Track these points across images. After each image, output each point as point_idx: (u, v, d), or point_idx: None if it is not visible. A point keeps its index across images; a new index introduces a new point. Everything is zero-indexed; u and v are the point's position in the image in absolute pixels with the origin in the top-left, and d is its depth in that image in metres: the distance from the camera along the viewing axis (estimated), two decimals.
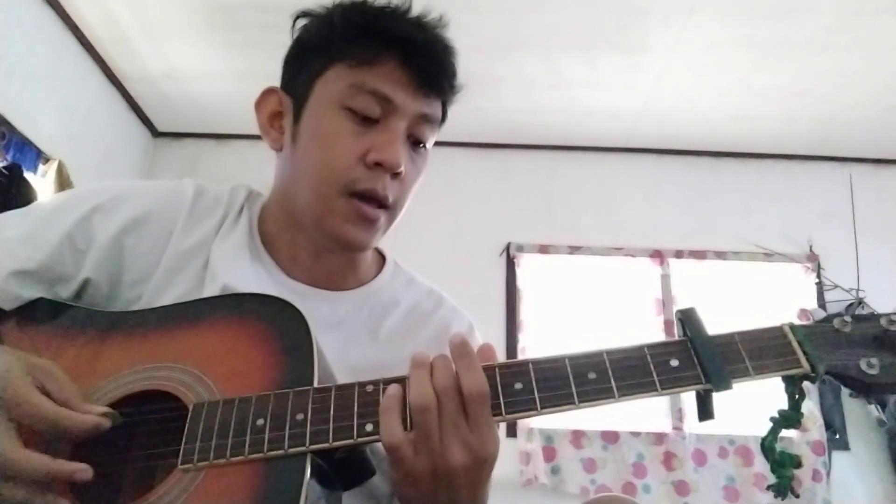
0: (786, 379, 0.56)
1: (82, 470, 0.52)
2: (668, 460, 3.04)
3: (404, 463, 0.53)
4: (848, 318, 0.56)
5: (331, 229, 0.70)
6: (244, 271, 0.73)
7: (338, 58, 0.70)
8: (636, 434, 3.08)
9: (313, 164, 0.70)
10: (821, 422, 3.07)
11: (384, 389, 0.56)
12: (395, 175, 0.70)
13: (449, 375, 0.54)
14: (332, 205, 0.69)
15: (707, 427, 3.09)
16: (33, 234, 0.70)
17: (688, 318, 0.58)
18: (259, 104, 0.78)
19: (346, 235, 0.70)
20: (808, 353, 0.55)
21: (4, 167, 2.39)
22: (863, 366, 0.54)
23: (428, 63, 0.70)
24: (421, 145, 0.74)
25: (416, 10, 0.72)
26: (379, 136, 0.69)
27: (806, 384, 0.55)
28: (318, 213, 0.70)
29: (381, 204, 0.70)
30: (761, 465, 2.99)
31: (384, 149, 0.68)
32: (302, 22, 0.75)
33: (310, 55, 0.73)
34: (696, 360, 0.56)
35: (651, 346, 0.57)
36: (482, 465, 0.54)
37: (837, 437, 3.11)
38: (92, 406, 0.56)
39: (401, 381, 0.57)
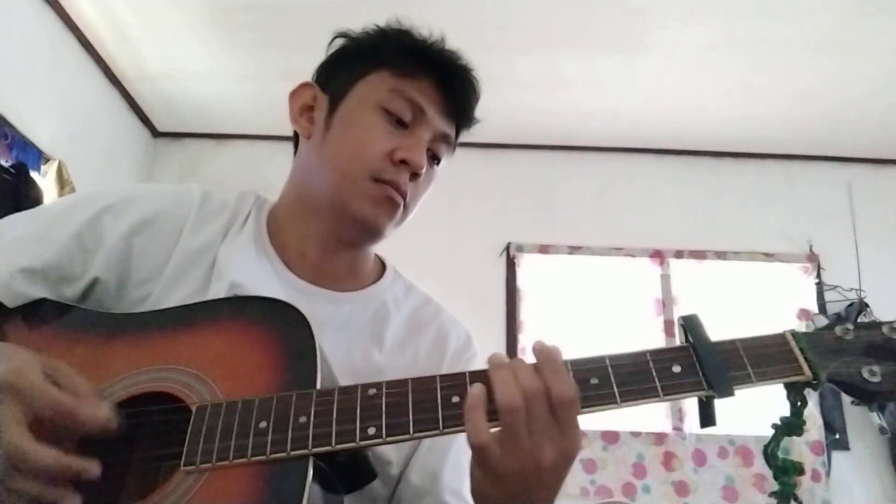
0: (788, 386, 0.56)
1: (92, 467, 0.53)
2: (668, 461, 3.04)
3: (490, 462, 0.53)
4: (850, 326, 0.56)
5: (354, 209, 0.74)
6: (250, 265, 0.74)
7: (384, 65, 0.77)
8: (636, 434, 3.09)
9: (345, 149, 0.75)
10: (821, 422, 3.08)
11: (387, 393, 0.57)
12: (414, 176, 0.75)
13: (534, 379, 0.54)
14: (358, 186, 0.74)
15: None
16: (42, 234, 0.71)
17: (690, 325, 0.58)
18: (294, 95, 0.82)
19: (367, 215, 0.74)
20: (811, 360, 0.55)
21: (11, 166, 2.39)
22: (865, 374, 0.54)
23: (459, 89, 0.79)
24: (435, 161, 0.80)
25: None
26: (407, 139, 0.75)
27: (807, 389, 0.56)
28: (343, 192, 0.74)
29: (401, 195, 0.75)
30: (761, 465, 3.00)
31: (411, 149, 0.74)
32: (340, 40, 0.83)
33: (355, 59, 0.80)
34: (698, 366, 0.56)
35: (653, 352, 0.57)
36: (568, 463, 0.55)
37: (837, 437, 3.11)
38: (102, 404, 0.57)
39: (403, 384, 0.57)
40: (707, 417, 0.57)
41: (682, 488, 2.99)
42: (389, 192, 0.74)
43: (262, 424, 0.55)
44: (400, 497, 0.75)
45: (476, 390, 0.55)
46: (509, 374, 0.55)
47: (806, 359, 0.55)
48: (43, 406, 0.53)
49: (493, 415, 0.54)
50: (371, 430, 0.55)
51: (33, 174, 2.50)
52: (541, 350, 0.57)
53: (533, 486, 0.54)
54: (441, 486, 0.74)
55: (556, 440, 0.53)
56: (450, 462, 0.76)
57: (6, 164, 2.39)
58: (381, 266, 0.87)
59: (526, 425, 0.53)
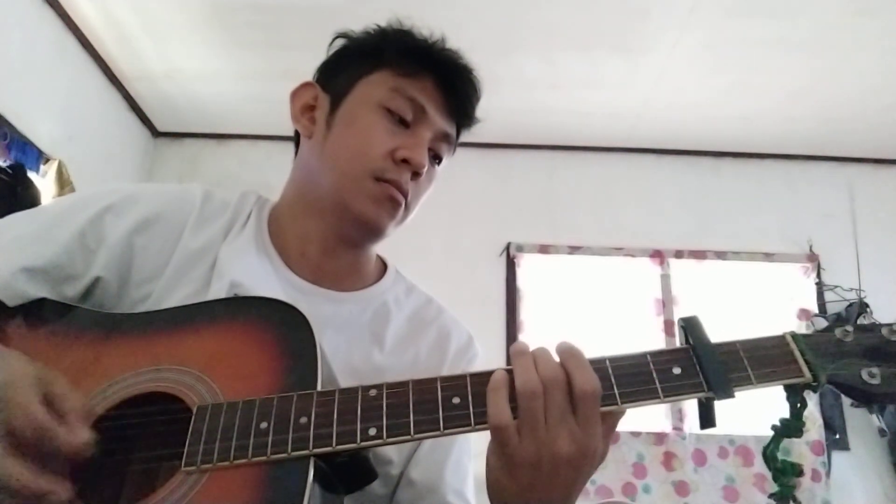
0: (787, 388, 0.56)
1: (59, 490, 0.50)
2: (668, 460, 3.04)
3: (508, 447, 0.53)
4: (849, 328, 0.56)
5: (356, 208, 0.75)
6: (250, 265, 0.74)
7: (385, 65, 0.78)
8: (636, 434, 3.09)
9: (347, 148, 0.76)
10: (821, 422, 3.08)
11: (388, 394, 0.57)
12: (416, 175, 0.76)
13: (554, 368, 0.54)
14: (360, 185, 0.74)
15: None
16: (44, 233, 0.71)
17: (690, 326, 0.58)
18: (295, 94, 0.83)
19: (369, 214, 0.75)
20: (810, 362, 0.55)
21: (8, 167, 2.39)
22: (864, 376, 0.54)
23: (460, 89, 0.79)
24: (436, 161, 0.81)
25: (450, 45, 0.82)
26: (408, 138, 0.76)
27: (807, 391, 0.56)
28: (345, 191, 0.75)
29: (403, 194, 0.76)
30: (761, 465, 3.00)
31: (412, 148, 0.75)
32: (340, 40, 0.83)
33: (356, 59, 0.80)
34: (698, 368, 0.56)
35: (654, 354, 0.57)
36: (585, 458, 0.54)
37: (837, 437, 3.11)
38: (82, 430, 0.54)
39: (404, 385, 0.57)
40: (707, 419, 0.57)
41: (682, 488, 2.99)
42: (391, 192, 0.74)
43: (263, 425, 0.55)
44: (400, 497, 0.75)
45: (498, 375, 0.55)
46: (530, 360, 0.55)
47: (806, 361, 0.55)
48: (22, 425, 0.51)
49: (513, 402, 0.54)
50: (372, 431, 0.55)
51: (31, 174, 2.50)
52: (565, 346, 0.57)
53: (549, 479, 0.54)
54: (444, 486, 0.75)
55: (573, 432, 0.53)
56: (451, 462, 0.76)
57: (4, 165, 2.39)
58: (383, 266, 0.87)
59: (544, 412, 0.53)
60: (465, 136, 0.85)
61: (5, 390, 0.52)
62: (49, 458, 0.53)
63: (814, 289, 3.38)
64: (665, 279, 3.43)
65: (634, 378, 0.56)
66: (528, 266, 3.44)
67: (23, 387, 0.53)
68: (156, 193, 0.78)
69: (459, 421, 0.55)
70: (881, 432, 2.98)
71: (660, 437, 3.09)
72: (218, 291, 0.70)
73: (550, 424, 0.53)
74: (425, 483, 0.74)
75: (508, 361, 0.57)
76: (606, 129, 3.52)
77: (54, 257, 0.70)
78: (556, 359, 0.56)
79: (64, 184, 2.65)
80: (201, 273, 0.73)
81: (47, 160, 2.67)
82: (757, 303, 3.32)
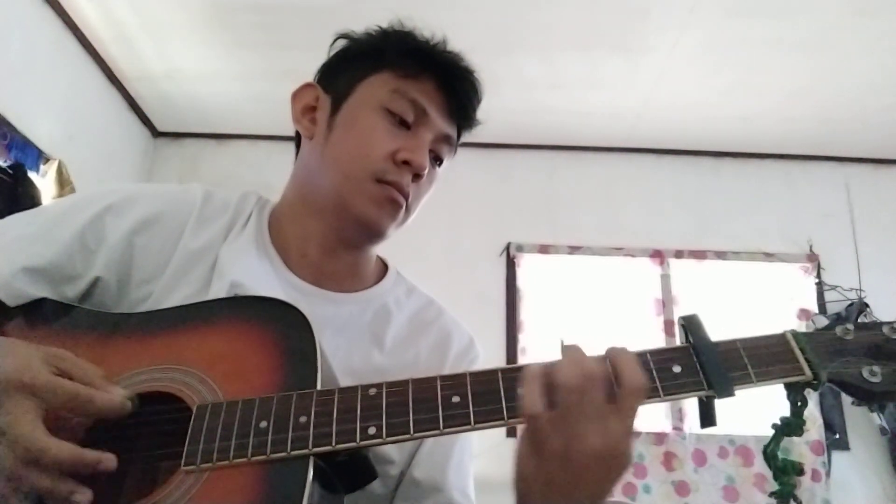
0: (788, 386, 0.56)
1: (109, 459, 0.53)
2: (668, 460, 3.04)
3: (538, 435, 0.53)
4: (850, 326, 0.56)
5: (356, 209, 0.75)
6: (251, 265, 0.74)
7: (386, 66, 0.77)
8: (636, 434, 3.08)
9: (348, 150, 0.76)
10: (821, 422, 3.08)
11: (387, 393, 0.57)
12: (417, 177, 0.76)
13: (599, 365, 0.54)
14: (361, 186, 0.74)
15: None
16: (45, 233, 0.72)
17: (690, 325, 0.58)
18: (296, 95, 0.83)
19: (369, 216, 0.75)
20: (811, 360, 0.55)
21: (9, 167, 2.39)
22: (865, 374, 0.54)
23: (461, 90, 0.79)
24: (437, 162, 0.81)
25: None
26: (409, 140, 0.76)
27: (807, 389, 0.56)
28: (346, 192, 0.75)
29: (404, 196, 0.76)
30: (761, 465, 3.00)
31: (413, 150, 0.75)
32: (341, 41, 0.83)
33: (357, 60, 0.80)
34: (698, 366, 0.56)
35: (654, 353, 0.57)
36: (614, 456, 0.53)
37: (837, 437, 3.11)
38: (115, 387, 0.58)
39: (403, 384, 0.57)
40: (707, 417, 0.57)
41: (682, 488, 2.99)
42: (392, 193, 0.74)
43: (263, 424, 0.55)
44: (402, 496, 0.75)
45: (534, 367, 0.55)
46: (581, 354, 0.55)
47: (806, 359, 0.55)
48: (63, 400, 0.53)
49: (546, 395, 0.53)
50: (371, 430, 0.55)
51: (32, 174, 2.50)
52: (616, 347, 0.57)
53: (577, 475, 0.53)
54: (448, 485, 0.75)
55: (609, 428, 0.53)
56: (454, 462, 0.76)
57: (4, 165, 2.39)
58: (383, 267, 0.87)
59: (580, 407, 0.52)
60: (466, 136, 0.85)
61: (22, 376, 0.53)
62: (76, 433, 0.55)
63: (814, 289, 3.38)
64: (665, 279, 3.43)
65: None
66: (528, 266, 3.44)
67: (41, 369, 0.54)
68: (156, 194, 0.78)
69: (459, 420, 0.55)
70: (882, 430, 2.99)
71: (660, 437, 3.09)
72: (218, 291, 0.70)
73: (587, 418, 0.52)
74: (429, 482, 0.74)
75: (509, 361, 0.57)
76: (606, 129, 3.52)
77: (54, 257, 0.70)
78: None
79: (64, 184, 2.66)
80: (201, 273, 0.73)
81: (47, 160, 2.67)
82: (757, 303, 3.32)
